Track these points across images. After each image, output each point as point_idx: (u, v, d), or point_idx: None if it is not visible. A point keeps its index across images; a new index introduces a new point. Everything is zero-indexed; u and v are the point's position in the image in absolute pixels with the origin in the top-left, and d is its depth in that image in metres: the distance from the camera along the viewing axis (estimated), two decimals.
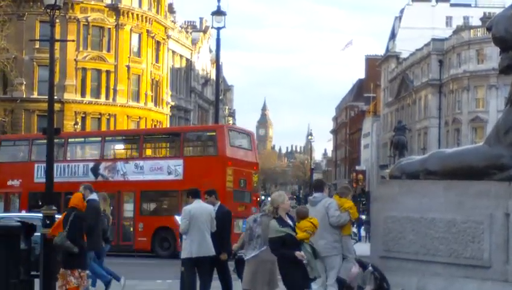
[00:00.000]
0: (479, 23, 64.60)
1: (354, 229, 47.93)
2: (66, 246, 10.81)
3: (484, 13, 65.72)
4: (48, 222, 13.07)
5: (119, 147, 32.34)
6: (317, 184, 12.52)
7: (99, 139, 31.38)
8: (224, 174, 26.70)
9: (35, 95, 54.89)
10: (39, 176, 29.31)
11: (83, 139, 33.01)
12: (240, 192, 27.65)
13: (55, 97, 40.76)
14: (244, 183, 27.97)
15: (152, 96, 62.89)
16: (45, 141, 31.90)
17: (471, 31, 64.10)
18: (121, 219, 28.68)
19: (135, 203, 28.85)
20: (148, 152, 30.87)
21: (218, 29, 29.14)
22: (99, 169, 29.08)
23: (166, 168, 28.06)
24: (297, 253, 9.35)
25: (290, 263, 9.17)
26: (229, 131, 29.31)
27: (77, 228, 10.88)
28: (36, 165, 29.88)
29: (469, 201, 7.77)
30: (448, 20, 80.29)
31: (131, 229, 28.55)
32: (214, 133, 29.29)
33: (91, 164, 29.37)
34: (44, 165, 28.36)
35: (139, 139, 30.63)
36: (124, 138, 34.04)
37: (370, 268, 8.29)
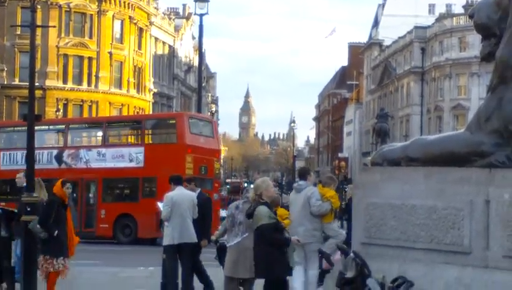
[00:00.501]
0: (462, 11, 64.85)
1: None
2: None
3: (467, 1, 65.97)
4: (28, 209, 12.98)
5: (83, 135, 32.66)
6: (301, 172, 12.66)
7: (63, 126, 31.38)
8: (183, 162, 27.06)
9: (16, 82, 54.52)
10: (5, 163, 29.42)
11: (47, 127, 33.01)
12: (201, 179, 27.57)
13: (37, 84, 40.50)
14: (205, 170, 28.28)
15: (134, 83, 62.65)
16: (10, 128, 32.22)
17: (454, 18, 64.35)
18: (84, 205, 28.85)
19: (97, 190, 29.06)
20: (111, 140, 31.06)
21: (201, 15, 29.06)
22: (63, 156, 29.28)
23: (127, 156, 28.44)
24: (293, 238, 9.42)
25: (278, 250, 9.16)
26: (190, 119, 29.76)
27: (48, 214, 10.88)
28: (2, 153, 29.91)
29: (450, 188, 7.79)
30: (431, 7, 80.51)
31: (94, 215, 28.64)
32: (174, 121, 29.86)
33: (55, 151, 29.41)
34: (10, 152, 28.90)
35: (101, 127, 30.80)
36: (87, 125, 34.20)
37: (351, 255, 8.30)
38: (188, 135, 28.09)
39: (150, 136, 30.08)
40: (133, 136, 31.19)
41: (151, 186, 28.09)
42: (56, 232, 10.82)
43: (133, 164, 28.18)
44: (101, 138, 30.24)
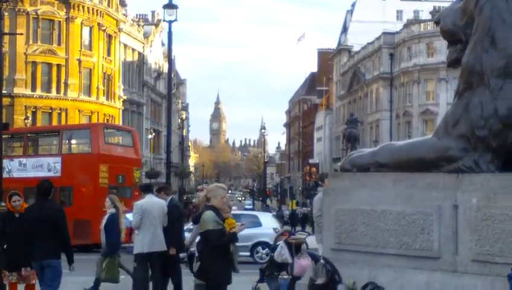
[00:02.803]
0: (429, 17, 65.49)
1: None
2: None
3: (434, 7, 66.66)
4: None
5: (5, 145, 33.10)
6: (319, 178, 13.58)
7: None
8: (97, 171, 28.31)
9: None
10: None
11: None
12: (118, 188, 28.85)
13: (5, 91, 40.03)
14: (123, 179, 29.26)
15: (104, 90, 62.26)
16: None
17: (421, 24, 64.97)
18: None
19: None
20: (31, 150, 31.76)
21: (170, 22, 28.96)
22: None
23: (46, 166, 29.33)
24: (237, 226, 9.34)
25: (222, 256, 9.00)
26: (105, 129, 31.33)
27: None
28: None
29: (418, 193, 7.85)
30: (399, 13, 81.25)
31: None
32: (89, 131, 31.01)
33: None
34: None
35: (23, 138, 31.64)
36: (9, 136, 34.69)
37: (321, 261, 8.32)
38: (102, 145, 29.29)
39: (67, 146, 31.09)
40: (51, 147, 31.92)
41: (68, 195, 28.98)
42: (5, 246, 10.60)
43: (51, 174, 28.76)
44: (22, 148, 31.09)
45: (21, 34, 50.34)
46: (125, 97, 67.87)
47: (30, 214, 10.15)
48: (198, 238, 10.21)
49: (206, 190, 9.51)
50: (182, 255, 13.05)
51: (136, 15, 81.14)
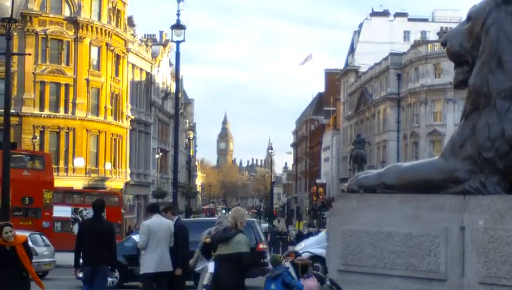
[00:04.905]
0: (436, 37, 65.63)
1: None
2: None
3: (441, 28, 66.89)
4: None
5: None
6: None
7: None
8: None
9: None
10: None
11: None
12: (24, 209, 32.15)
13: (13, 111, 40.28)
14: (30, 200, 31.93)
15: (112, 109, 62.49)
16: None
17: (429, 45, 65.10)
18: None
19: None
20: None
21: (178, 42, 29.12)
22: None
23: None
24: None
25: (243, 275, 9.83)
26: (11, 154, 33.55)
27: None
28: None
29: (425, 214, 7.82)
30: (406, 34, 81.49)
31: None
32: None
33: None
34: None
35: None
36: None
37: (328, 282, 8.30)
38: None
39: None
40: None
41: None
42: None
43: None
44: None
45: (29, 54, 50.70)
46: (132, 117, 68.08)
47: (88, 228, 12.33)
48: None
49: (238, 215, 10.01)
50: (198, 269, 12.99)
51: (144, 35, 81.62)
